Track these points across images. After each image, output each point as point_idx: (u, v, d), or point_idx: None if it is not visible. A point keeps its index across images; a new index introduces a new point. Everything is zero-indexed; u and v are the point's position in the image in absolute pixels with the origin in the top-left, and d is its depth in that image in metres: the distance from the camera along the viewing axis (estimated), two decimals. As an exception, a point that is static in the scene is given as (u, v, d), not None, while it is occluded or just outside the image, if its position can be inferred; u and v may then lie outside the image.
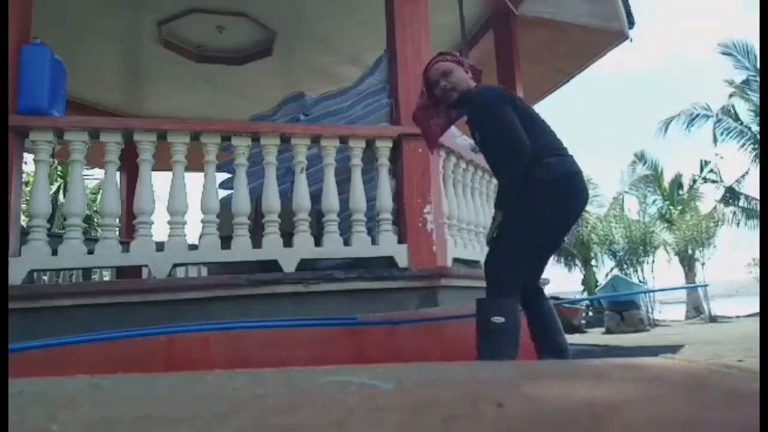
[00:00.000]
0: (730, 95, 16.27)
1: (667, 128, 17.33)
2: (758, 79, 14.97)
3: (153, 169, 3.19)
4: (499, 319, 2.33)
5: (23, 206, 3.71)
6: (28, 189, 4.06)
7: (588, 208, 21.51)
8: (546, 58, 5.99)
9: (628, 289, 12.33)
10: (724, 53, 15.76)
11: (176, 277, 3.32)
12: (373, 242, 3.33)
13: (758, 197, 16.29)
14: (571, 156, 2.51)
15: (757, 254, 17.78)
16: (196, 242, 3.19)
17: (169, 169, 3.19)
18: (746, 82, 15.73)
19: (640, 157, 19.57)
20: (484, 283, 2.51)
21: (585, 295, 19.53)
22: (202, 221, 3.16)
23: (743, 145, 16.06)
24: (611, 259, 19.90)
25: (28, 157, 3.68)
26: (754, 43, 15.33)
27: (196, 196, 3.21)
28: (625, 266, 18.11)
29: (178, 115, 6.20)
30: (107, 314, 2.82)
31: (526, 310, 2.59)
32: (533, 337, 2.54)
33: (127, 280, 3.84)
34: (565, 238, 2.64)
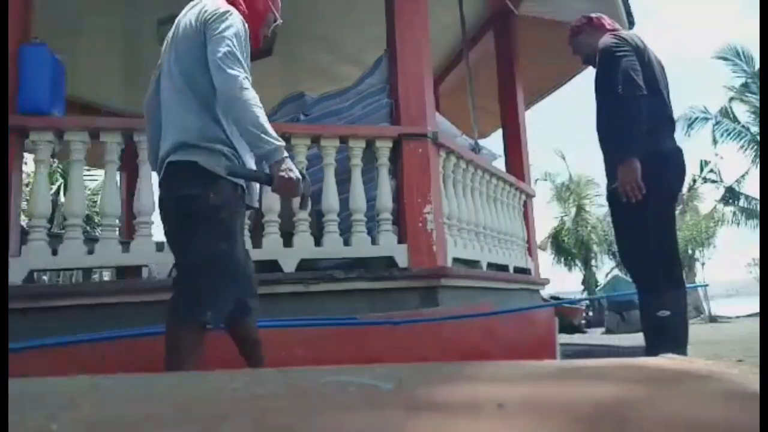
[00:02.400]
0: (731, 99, 16.29)
1: None
2: (756, 82, 14.99)
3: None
4: (664, 313, 2.35)
5: (23, 206, 3.71)
6: (28, 189, 4.05)
7: (588, 208, 21.55)
8: (546, 58, 5.98)
9: (628, 289, 12.33)
10: (720, 58, 15.81)
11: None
12: (373, 242, 3.33)
13: (758, 197, 16.30)
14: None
15: (757, 254, 17.80)
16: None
17: (169, 169, 3.18)
18: (745, 85, 15.76)
19: None
20: (484, 283, 2.53)
21: (585, 295, 19.52)
22: (202, 221, 3.15)
23: (743, 146, 16.09)
24: (611, 259, 19.91)
25: (28, 157, 3.68)
26: (751, 47, 15.40)
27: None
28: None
29: (178, 115, 6.19)
30: (107, 314, 2.82)
31: None
32: None
33: (127, 280, 3.84)
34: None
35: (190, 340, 1.89)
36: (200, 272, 1.90)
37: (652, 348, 2.38)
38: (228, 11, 1.96)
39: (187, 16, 2.02)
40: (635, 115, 2.30)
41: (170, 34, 2.08)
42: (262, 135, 1.81)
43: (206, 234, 1.87)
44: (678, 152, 2.53)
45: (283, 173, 1.84)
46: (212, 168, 1.84)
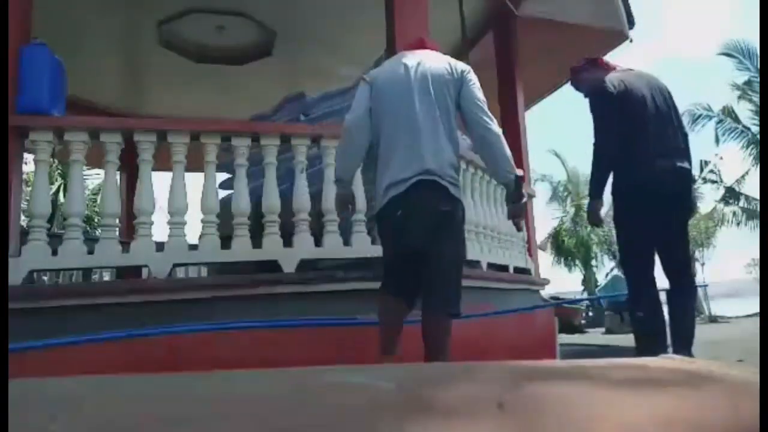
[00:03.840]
0: (739, 97, 16.27)
1: None
2: (758, 79, 14.99)
3: (153, 169, 3.19)
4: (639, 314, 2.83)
5: (23, 206, 3.71)
6: (28, 189, 4.05)
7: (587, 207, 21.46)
8: (546, 58, 5.99)
9: (625, 289, 12.30)
10: (725, 54, 15.78)
11: (176, 277, 3.32)
12: (373, 242, 3.33)
13: (758, 197, 16.29)
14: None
15: (757, 254, 17.79)
16: (196, 242, 3.19)
17: (169, 169, 3.19)
18: (748, 83, 15.75)
19: None
20: (484, 283, 2.56)
21: (585, 295, 19.52)
22: (202, 221, 3.15)
23: (744, 146, 16.08)
24: (611, 259, 19.89)
25: (28, 157, 3.68)
26: (756, 45, 15.36)
27: (196, 196, 3.21)
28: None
29: (178, 115, 6.20)
30: (107, 314, 2.82)
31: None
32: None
33: (127, 280, 3.84)
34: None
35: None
36: (458, 272, 2.33)
37: (636, 347, 2.85)
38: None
39: (434, 64, 2.40)
40: (602, 166, 2.79)
41: (409, 73, 2.37)
42: (512, 165, 2.34)
43: (462, 241, 2.40)
44: (666, 172, 2.78)
45: (525, 197, 2.43)
46: (457, 194, 2.31)
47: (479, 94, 2.36)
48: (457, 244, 2.35)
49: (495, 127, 2.33)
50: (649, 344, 2.73)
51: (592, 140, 2.88)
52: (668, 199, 2.75)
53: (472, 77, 2.39)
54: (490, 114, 2.34)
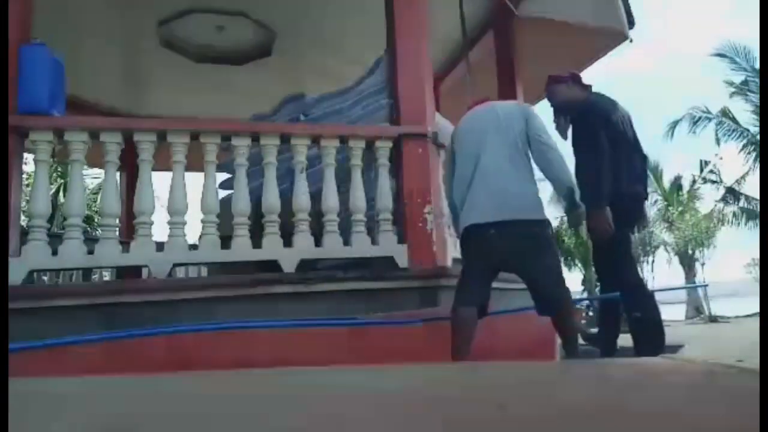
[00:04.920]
0: (731, 95, 16.30)
1: (673, 132, 17.42)
2: (756, 80, 14.98)
3: (153, 169, 3.19)
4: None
5: (23, 206, 3.71)
6: (28, 189, 4.05)
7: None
8: (546, 59, 5.97)
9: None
10: (719, 55, 15.81)
11: (176, 277, 3.32)
12: (373, 242, 3.33)
13: (758, 197, 16.29)
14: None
15: (757, 254, 17.79)
16: (196, 242, 3.19)
17: (169, 169, 3.19)
18: (744, 83, 15.75)
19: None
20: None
21: (585, 295, 19.52)
22: (202, 221, 3.15)
23: (744, 145, 16.08)
24: (611, 259, 19.82)
25: (28, 157, 3.68)
26: (750, 44, 15.38)
27: (196, 196, 3.21)
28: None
29: (178, 115, 6.19)
30: (107, 314, 2.82)
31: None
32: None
33: (127, 280, 3.84)
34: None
35: None
36: (563, 279, 2.72)
37: (635, 348, 2.96)
38: None
39: (503, 110, 2.85)
40: (604, 174, 2.84)
41: (482, 118, 2.85)
42: (569, 179, 2.73)
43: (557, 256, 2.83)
44: (635, 195, 3.04)
45: (581, 208, 2.80)
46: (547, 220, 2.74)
47: (545, 130, 2.79)
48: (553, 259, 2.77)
49: (562, 157, 2.73)
50: (648, 342, 2.87)
51: (589, 153, 2.93)
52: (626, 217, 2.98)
53: (535, 113, 2.87)
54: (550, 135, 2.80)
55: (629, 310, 3.02)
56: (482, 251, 2.67)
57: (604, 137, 2.86)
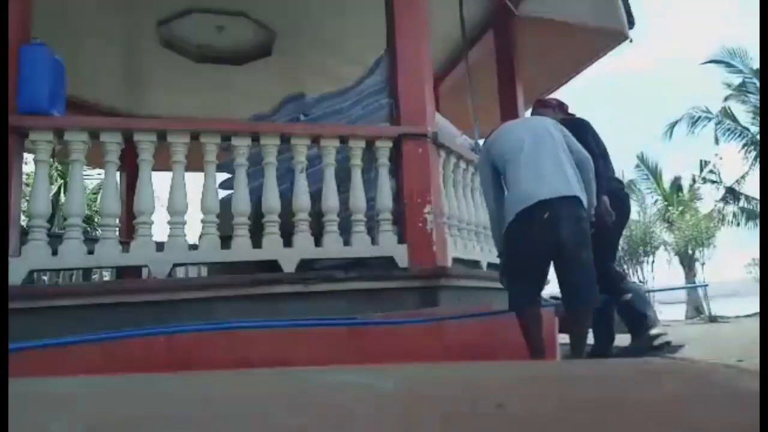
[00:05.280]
0: (726, 98, 16.32)
1: (672, 132, 17.41)
2: (755, 81, 14.98)
3: (153, 169, 3.19)
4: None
5: (23, 206, 3.71)
6: (29, 189, 4.04)
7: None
8: (546, 58, 5.97)
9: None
10: (714, 62, 15.85)
11: (176, 277, 3.32)
12: (373, 242, 3.33)
13: (758, 197, 16.28)
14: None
15: (757, 254, 17.77)
16: (196, 242, 3.19)
17: (169, 169, 3.19)
18: (743, 84, 15.76)
19: (642, 159, 19.57)
20: (484, 283, 2.56)
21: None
22: (202, 221, 3.15)
23: (744, 145, 16.08)
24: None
25: (28, 157, 3.68)
26: (747, 47, 15.40)
27: (196, 196, 3.21)
28: (625, 266, 18.09)
29: (178, 115, 6.19)
30: (107, 314, 2.82)
31: None
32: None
33: (127, 280, 3.84)
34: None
35: None
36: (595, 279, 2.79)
37: (632, 333, 3.33)
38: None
39: (539, 123, 3.06)
40: (598, 172, 3.14)
41: (525, 126, 3.12)
42: (593, 191, 2.95)
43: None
44: (615, 190, 3.43)
45: (601, 210, 3.08)
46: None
47: (577, 143, 3.02)
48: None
49: (591, 161, 2.98)
50: (641, 324, 3.23)
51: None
52: None
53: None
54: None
55: (617, 298, 3.30)
56: (538, 233, 2.69)
57: (593, 144, 3.25)
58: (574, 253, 2.70)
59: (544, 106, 3.57)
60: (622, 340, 3.47)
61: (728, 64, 15.65)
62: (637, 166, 19.70)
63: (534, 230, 2.70)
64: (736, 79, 15.90)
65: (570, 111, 3.70)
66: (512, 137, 2.96)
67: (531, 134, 2.91)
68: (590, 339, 3.21)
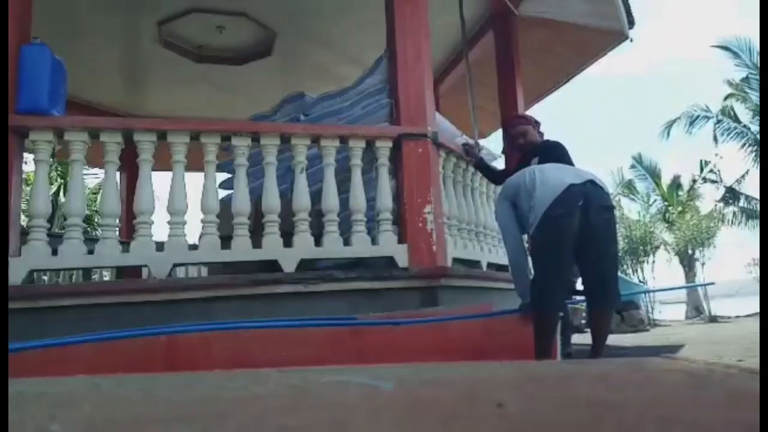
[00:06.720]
0: (726, 97, 16.27)
1: (669, 131, 17.36)
2: (758, 77, 14.93)
3: (153, 169, 3.19)
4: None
5: (23, 206, 3.71)
6: (28, 189, 4.04)
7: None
8: (546, 58, 5.98)
9: (627, 289, 12.34)
10: (721, 47, 15.70)
11: (176, 277, 3.32)
12: (373, 242, 3.33)
13: (758, 197, 16.28)
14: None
15: (757, 254, 17.78)
16: (196, 242, 3.19)
17: (169, 169, 3.19)
18: (746, 79, 15.69)
19: (639, 160, 19.56)
20: (484, 283, 2.55)
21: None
22: (202, 221, 3.15)
23: (744, 145, 16.06)
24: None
25: (28, 157, 3.68)
26: (754, 40, 15.28)
27: (196, 196, 3.21)
28: (625, 266, 18.10)
29: (178, 115, 6.20)
30: (107, 314, 2.82)
31: None
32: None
33: (127, 280, 3.84)
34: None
35: None
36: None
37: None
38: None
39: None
40: None
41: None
42: None
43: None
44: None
45: None
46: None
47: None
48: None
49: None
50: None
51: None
52: None
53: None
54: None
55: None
56: (568, 222, 2.61)
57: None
58: (602, 247, 2.66)
59: (526, 123, 3.51)
60: (619, 340, 3.47)
61: (736, 55, 15.50)
62: (633, 166, 19.70)
63: (568, 215, 2.62)
64: (741, 73, 15.78)
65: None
66: (520, 174, 2.93)
67: (535, 165, 2.92)
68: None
